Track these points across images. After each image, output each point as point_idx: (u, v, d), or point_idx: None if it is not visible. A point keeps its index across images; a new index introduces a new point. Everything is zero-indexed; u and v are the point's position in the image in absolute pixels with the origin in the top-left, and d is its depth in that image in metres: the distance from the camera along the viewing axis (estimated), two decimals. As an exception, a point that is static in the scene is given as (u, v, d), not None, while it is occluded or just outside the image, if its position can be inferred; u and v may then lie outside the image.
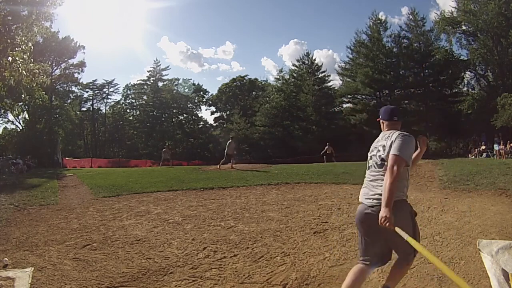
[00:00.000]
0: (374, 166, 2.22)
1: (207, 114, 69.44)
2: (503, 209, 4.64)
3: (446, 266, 1.94)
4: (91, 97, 41.80)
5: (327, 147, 20.38)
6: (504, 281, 2.54)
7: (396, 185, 2.00)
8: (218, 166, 12.77)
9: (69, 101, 38.58)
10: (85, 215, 5.40)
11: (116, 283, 2.87)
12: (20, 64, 6.33)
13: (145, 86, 43.17)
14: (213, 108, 46.23)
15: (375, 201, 2.11)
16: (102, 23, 57.53)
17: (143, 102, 42.86)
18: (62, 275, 3.02)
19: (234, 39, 70.66)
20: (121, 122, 43.16)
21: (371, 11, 42.66)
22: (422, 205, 5.16)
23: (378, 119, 2.40)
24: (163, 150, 20.04)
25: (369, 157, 2.31)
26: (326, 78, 36.86)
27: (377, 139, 2.34)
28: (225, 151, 13.24)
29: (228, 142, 13.59)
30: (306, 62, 37.39)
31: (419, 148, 2.39)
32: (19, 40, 6.53)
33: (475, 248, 3.13)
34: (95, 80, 41.05)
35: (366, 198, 2.18)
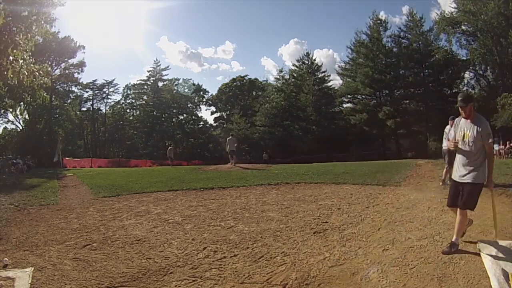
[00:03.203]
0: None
1: (207, 114, 69.70)
2: (503, 209, 4.64)
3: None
4: (91, 97, 41.89)
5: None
6: (504, 281, 2.55)
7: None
8: (230, 165, 13.07)
9: (69, 101, 38.61)
10: (85, 215, 5.40)
11: (116, 283, 2.87)
12: (22, 64, 6.33)
13: (145, 86, 43.19)
14: (213, 108, 46.33)
15: None
16: (102, 23, 57.54)
17: (143, 102, 42.88)
18: (62, 275, 3.02)
19: (234, 38, 70.83)
20: (121, 122, 43.17)
21: (371, 11, 42.83)
22: (422, 205, 5.16)
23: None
24: (169, 148, 20.28)
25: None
26: (326, 78, 36.95)
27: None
28: (228, 148, 13.57)
29: (228, 139, 13.90)
30: (306, 62, 37.45)
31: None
32: (19, 40, 6.53)
33: (475, 248, 3.14)
34: (95, 80, 41.15)
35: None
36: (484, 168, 3.17)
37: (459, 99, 3.21)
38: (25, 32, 6.68)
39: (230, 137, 14.31)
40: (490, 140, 3.14)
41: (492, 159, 3.20)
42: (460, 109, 3.24)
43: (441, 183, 6.76)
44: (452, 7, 29.61)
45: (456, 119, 3.39)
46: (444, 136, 7.05)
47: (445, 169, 6.80)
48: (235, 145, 13.84)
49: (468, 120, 3.21)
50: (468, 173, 3.17)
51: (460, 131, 3.27)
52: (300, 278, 2.86)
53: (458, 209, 3.23)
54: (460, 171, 3.25)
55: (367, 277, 2.85)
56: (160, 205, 6.04)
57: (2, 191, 7.61)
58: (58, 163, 21.34)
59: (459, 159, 3.29)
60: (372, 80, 31.83)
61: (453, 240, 3.23)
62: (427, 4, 61.87)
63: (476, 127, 3.13)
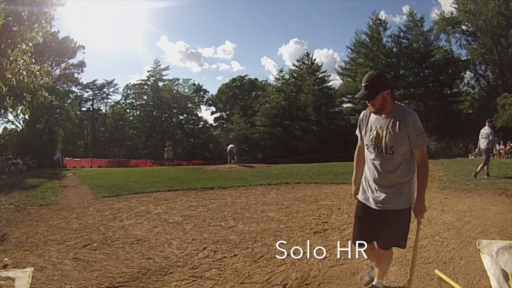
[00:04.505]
0: None
1: (207, 114, 69.53)
2: (503, 209, 4.65)
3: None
4: (91, 97, 41.85)
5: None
6: (504, 281, 2.55)
7: None
8: (229, 164, 13.97)
9: (69, 101, 38.55)
10: (85, 215, 5.41)
11: (116, 283, 2.87)
12: (21, 65, 6.34)
13: (145, 86, 43.16)
14: (213, 108, 46.29)
15: None
16: (102, 23, 57.63)
17: (143, 102, 42.85)
18: (62, 275, 3.02)
19: (234, 38, 70.81)
20: (121, 122, 43.15)
21: (371, 11, 42.83)
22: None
23: None
24: (166, 149, 20.35)
25: None
26: (326, 78, 36.94)
27: None
28: (233, 152, 14.75)
29: (230, 147, 15.41)
30: (306, 62, 37.41)
31: None
32: (19, 40, 6.54)
33: (475, 248, 3.13)
34: (95, 80, 41.11)
35: None
36: (412, 185, 2.09)
37: (364, 84, 1.98)
38: (26, 32, 6.68)
39: (232, 145, 15.74)
40: (422, 140, 2.00)
41: (426, 170, 2.03)
42: (367, 102, 2.04)
43: (485, 176, 7.41)
44: (453, 7, 29.68)
45: (363, 112, 2.20)
46: (482, 136, 7.75)
47: (483, 165, 7.55)
48: (235, 151, 15.24)
49: (383, 115, 2.06)
50: (390, 196, 2.07)
51: (371, 131, 2.11)
52: (300, 278, 2.86)
53: (379, 248, 2.26)
54: (375, 193, 2.12)
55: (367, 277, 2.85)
56: (160, 205, 6.04)
57: (2, 191, 7.62)
58: (58, 162, 21.35)
59: (371, 174, 2.14)
60: (372, 80, 31.83)
61: (374, 283, 2.40)
62: (427, 4, 61.77)
63: (397, 122, 2.00)
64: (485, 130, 7.72)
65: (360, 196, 2.25)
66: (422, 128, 2.02)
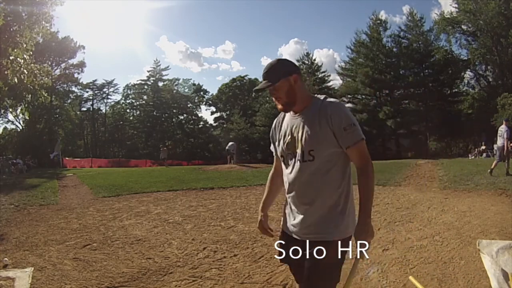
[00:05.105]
0: None
1: (207, 114, 69.61)
2: (503, 209, 4.64)
3: None
4: (91, 97, 41.85)
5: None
6: (504, 281, 2.55)
7: None
8: (229, 164, 14.22)
9: (69, 101, 38.60)
10: (85, 215, 5.40)
11: (116, 283, 2.87)
12: (22, 63, 6.36)
13: (145, 86, 43.16)
14: (213, 108, 46.31)
15: None
16: (102, 23, 57.73)
17: (143, 102, 42.85)
18: (62, 275, 3.02)
19: (234, 38, 70.91)
20: (121, 122, 43.15)
21: (372, 11, 42.89)
22: (422, 205, 5.17)
23: None
24: (162, 150, 20.57)
25: None
26: (326, 78, 37.01)
27: None
28: (230, 151, 15.03)
29: (230, 144, 15.57)
30: (306, 62, 37.46)
31: None
32: (20, 40, 6.56)
33: (475, 248, 3.13)
34: (95, 80, 41.11)
35: None
36: (348, 203, 1.45)
37: (263, 73, 1.45)
38: (26, 31, 6.69)
39: (231, 143, 15.93)
40: (354, 135, 1.38)
41: (369, 177, 1.41)
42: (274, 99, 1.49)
43: (489, 171, 7.57)
44: (453, 7, 29.68)
45: (275, 119, 1.68)
46: (499, 134, 7.95)
47: (508, 162, 7.71)
48: (233, 149, 15.30)
49: (297, 114, 1.48)
50: (313, 221, 1.45)
51: (285, 137, 1.52)
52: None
53: None
54: (295, 216, 1.52)
55: (367, 277, 2.85)
56: (160, 205, 6.04)
57: (2, 191, 7.62)
58: (58, 161, 21.35)
59: (289, 193, 1.53)
60: (372, 80, 31.85)
61: None
62: (427, 4, 61.85)
63: (316, 116, 1.40)
64: (502, 129, 7.91)
65: (282, 225, 1.67)
66: (353, 119, 1.40)
